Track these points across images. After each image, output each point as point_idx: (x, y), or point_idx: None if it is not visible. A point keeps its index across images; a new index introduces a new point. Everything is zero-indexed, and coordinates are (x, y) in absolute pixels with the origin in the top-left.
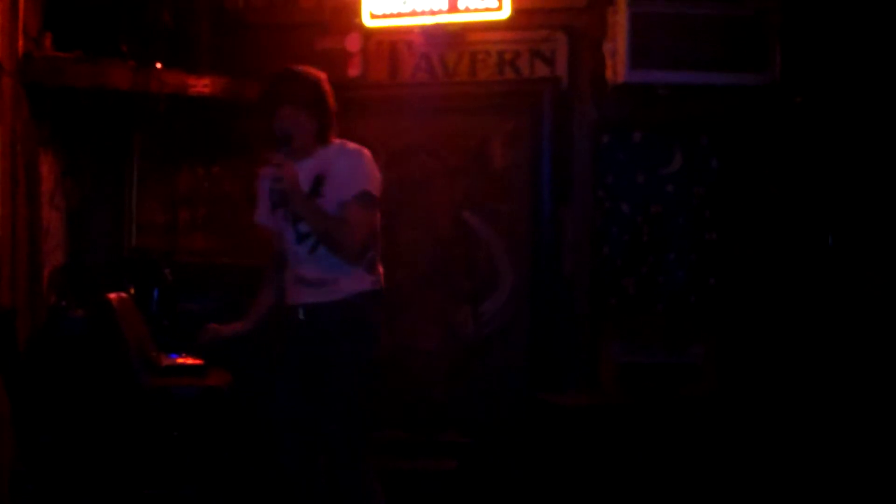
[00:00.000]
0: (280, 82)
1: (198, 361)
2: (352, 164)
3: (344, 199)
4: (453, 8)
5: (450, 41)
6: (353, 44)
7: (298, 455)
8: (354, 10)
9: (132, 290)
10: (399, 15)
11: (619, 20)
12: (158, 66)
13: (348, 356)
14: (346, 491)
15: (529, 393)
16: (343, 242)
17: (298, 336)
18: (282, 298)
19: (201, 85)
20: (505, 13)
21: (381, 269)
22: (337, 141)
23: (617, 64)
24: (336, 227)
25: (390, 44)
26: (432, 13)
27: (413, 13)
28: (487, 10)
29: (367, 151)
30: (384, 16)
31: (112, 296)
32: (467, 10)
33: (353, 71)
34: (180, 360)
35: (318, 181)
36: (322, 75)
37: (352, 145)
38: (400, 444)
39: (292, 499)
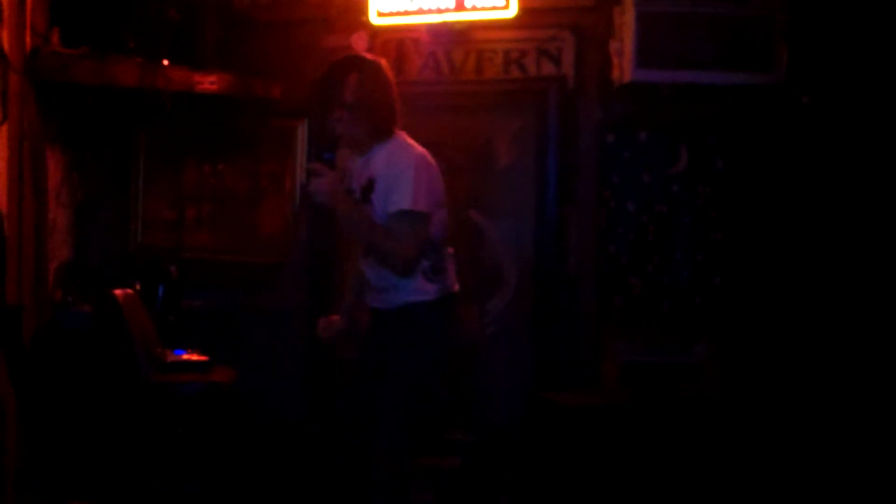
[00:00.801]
0: (326, 83)
1: (203, 357)
2: (397, 176)
3: (388, 213)
4: (460, 6)
5: (456, 40)
6: (359, 42)
7: (362, 439)
8: (361, 8)
9: (137, 287)
10: (406, 13)
11: (626, 20)
12: (165, 62)
13: (397, 364)
14: (376, 490)
15: (534, 391)
16: (390, 256)
17: (369, 337)
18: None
19: (208, 82)
20: (512, 12)
21: (450, 275)
22: (397, 139)
23: (623, 63)
24: (383, 240)
25: (397, 42)
26: (439, 11)
27: (420, 11)
28: (494, 8)
29: (418, 158)
30: (391, 14)
31: (117, 292)
32: (474, 8)
33: None
34: (185, 357)
35: (369, 186)
36: (376, 68)
37: (405, 150)
38: None
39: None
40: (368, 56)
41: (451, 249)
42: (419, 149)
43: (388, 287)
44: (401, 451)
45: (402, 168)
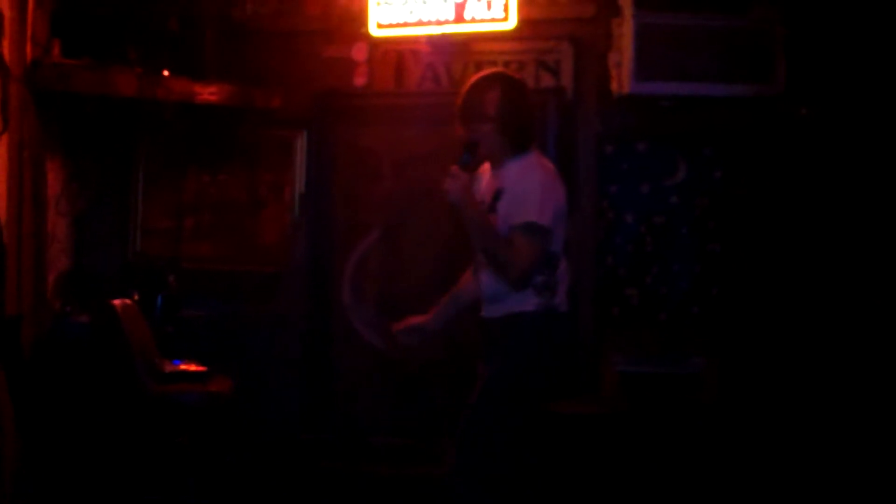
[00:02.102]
0: (470, 95)
1: (201, 368)
2: (525, 189)
3: (511, 224)
4: (459, 18)
5: (455, 51)
6: (359, 53)
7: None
8: (361, 20)
9: (136, 297)
10: (405, 25)
11: (625, 32)
12: (165, 73)
13: (495, 377)
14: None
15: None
16: (506, 266)
17: (482, 348)
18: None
19: (208, 92)
20: (511, 24)
21: (560, 293)
22: (531, 155)
23: (622, 75)
24: (502, 249)
25: (396, 53)
26: (438, 23)
27: (419, 23)
28: (493, 20)
29: (548, 175)
30: (391, 25)
31: (116, 302)
32: (473, 20)
33: (360, 80)
34: (183, 367)
35: (497, 196)
36: (518, 86)
37: (538, 166)
38: (401, 450)
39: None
40: (511, 74)
41: (564, 265)
42: (550, 166)
43: (497, 296)
44: (481, 467)
45: (532, 182)
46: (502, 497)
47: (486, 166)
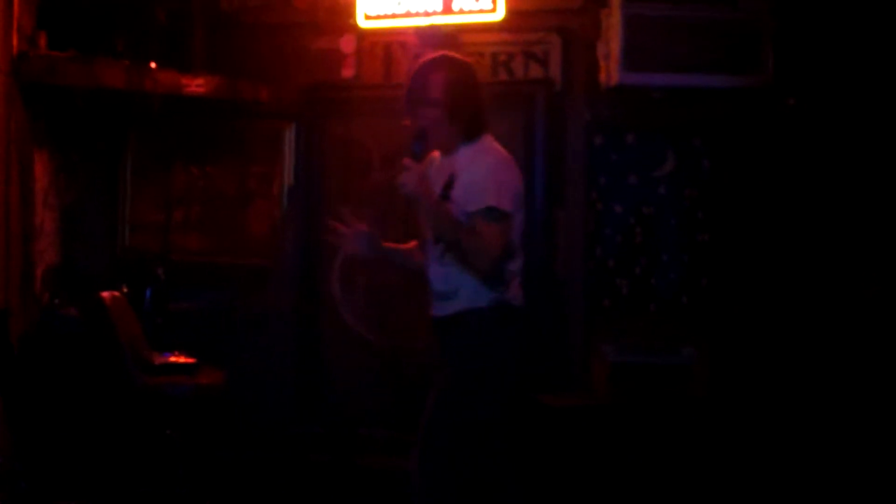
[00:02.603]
0: (413, 82)
1: (190, 360)
2: (481, 174)
3: (470, 211)
4: (447, 9)
5: (444, 43)
6: (347, 44)
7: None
8: (349, 11)
9: (125, 289)
10: (393, 16)
11: (613, 22)
12: (153, 65)
13: (451, 379)
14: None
15: (523, 393)
16: (474, 255)
17: (435, 343)
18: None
19: (195, 84)
20: (499, 15)
21: (513, 287)
22: (484, 141)
23: (610, 66)
24: (467, 239)
25: (384, 45)
26: (426, 14)
27: (407, 14)
28: (481, 11)
29: (503, 160)
30: (378, 17)
31: (105, 295)
32: (461, 11)
33: (348, 72)
34: (173, 359)
35: (449, 183)
36: (465, 69)
37: (491, 150)
38: (393, 443)
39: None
40: (455, 56)
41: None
42: (504, 151)
43: (449, 293)
44: (441, 468)
45: (487, 166)
46: (466, 498)
47: (436, 154)
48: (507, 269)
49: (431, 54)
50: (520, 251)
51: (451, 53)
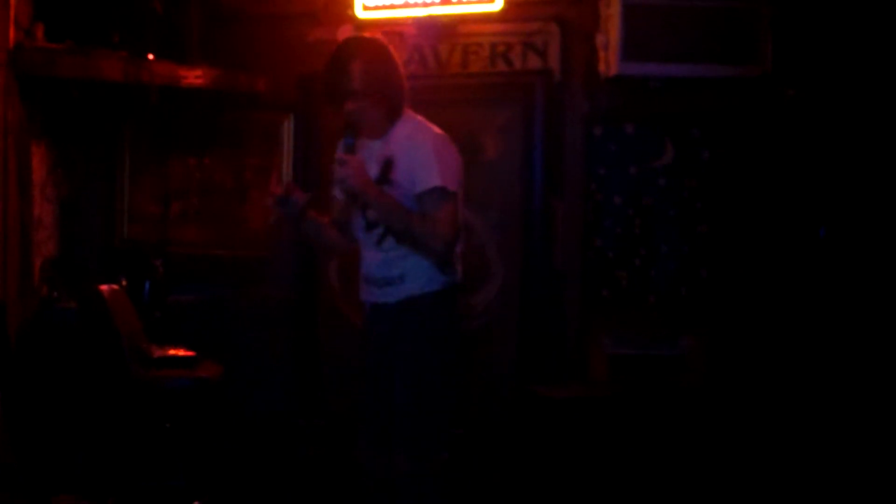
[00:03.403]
0: (331, 74)
1: (189, 353)
2: (423, 154)
3: (417, 194)
4: (446, 0)
5: (442, 33)
6: (345, 35)
7: (369, 450)
8: (347, 2)
9: (124, 282)
10: (392, 6)
11: (612, 12)
12: (150, 57)
13: (410, 360)
14: (408, 488)
15: (520, 384)
16: (427, 239)
17: (369, 333)
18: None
19: (193, 76)
20: (497, 5)
21: (459, 266)
22: (411, 120)
23: (609, 56)
24: (418, 224)
25: (383, 35)
26: (425, 5)
27: (406, 5)
28: (480, 1)
29: (441, 136)
30: (377, 7)
31: (103, 287)
32: (460, 1)
33: None
34: (172, 352)
35: (387, 166)
36: (377, 49)
37: (427, 130)
38: None
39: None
40: (370, 37)
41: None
42: (439, 129)
43: (393, 279)
44: (423, 453)
45: (427, 146)
46: (447, 479)
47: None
48: (455, 251)
49: (341, 41)
50: (461, 233)
51: (360, 35)
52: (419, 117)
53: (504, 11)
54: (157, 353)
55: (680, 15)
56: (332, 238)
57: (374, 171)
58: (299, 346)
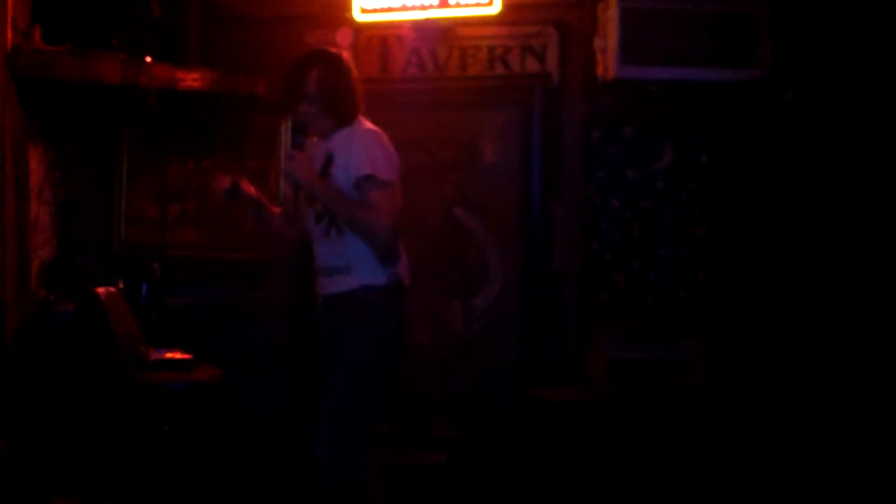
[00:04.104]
0: (289, 79)
1: (186, 356)
2: (355, 149)
3: (353, 184)
4: (444, 3)
5: (440, 36)
6: (343, 38)
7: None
8: (345, 5)
9: (121, 285)
10: (390, 10)
11: (610, 16)
12: (148, 59)
13: (352, 351)
14: (334, 485)
15: (519, 388)
16: (370, 227)
17: (321, 325)
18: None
19: (191, 79)
20: (496, 8)
21: (403, 266)
22: (358, 123)
23: (608, 60)
24: (360, 212)
25: (381, 38)
26: (423, 8)
27: (404, 8)
28: (478, 5)
29: (374, 132)
30: (375, 10)
31: (101, 290)
32: (458, 5)
33: None
34: (169, 355)
35: (328, 162)
36: (336, 62)
37: (364, 128)
38: (390, 438)
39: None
40: (330, 49)
41: (401, 243)
42: (376, 128)
43: (341, 268)
44: (355, 442)
45: (357, 140)
46: (367, 473)
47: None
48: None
49: (306, 51)
50: (398, 230)
51: (325, 48)
52: (366, 122)
53: (502, 15)
54: (155, 355)
55: (678, 18)
56: (276, 226)
57: (317, 166)
58: (297, 348)
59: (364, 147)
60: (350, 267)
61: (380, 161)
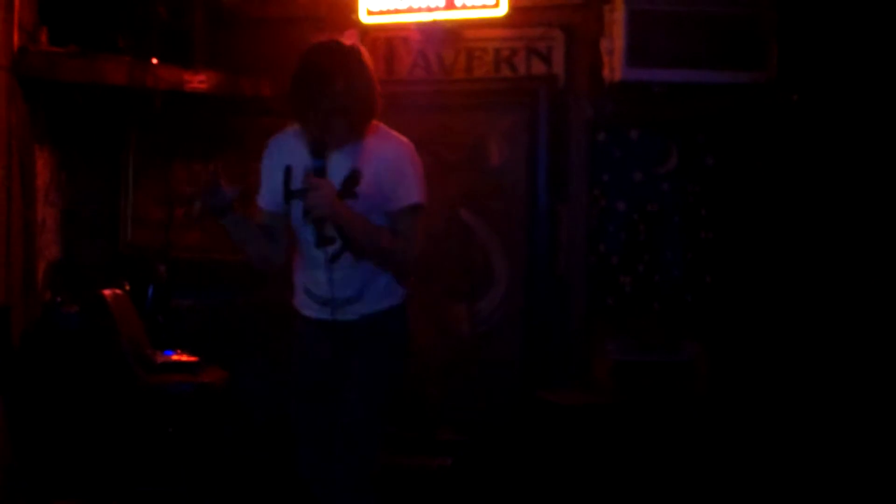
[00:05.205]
0: (312, 88)
1: (192, 358)
2: (398, 169)
3: (391, 210)
4: (450, 5)
5: (446, 38)
6: (349, 40)
7: (314, 468)
8: (351, 7)
9: (127, 287)
10: (396, 11)
11: (616, 18)
12: (154, 61)
13: (367, 374)
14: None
15: (524, 391)
16: (398, 258)
17: (315, 348)
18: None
19: (197, 81)
20: (502, 10)
21: (412, 277)
22: (380, 128)
23: (614, 62)
24: (387, 243)
25: (387, 40)
26: (429, 10)
27: (410, 10)
28: (484, 7)
29: (412, 147)
30: (381, 12)
31: (106, 292)
32: (464, 7)
33: None
34: (175, 357)
35: (352, 180)
36: (359, 64)
37: (398, 139)
38: (395, 441)
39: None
40: (346, 45)
41: None
42: (403, 137)
43: (350, 299)
44: (373, 463)
45: (405, 159)
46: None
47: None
48: None
49: (323, 52)
50: None
51: (337, 42)
52: (382, 125)
53: (508, 17)
54: (161, 358)
55: (684, 21)
56: (262, 247)
57: (336, 182)
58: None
59: (411, 166)
60: (362, 296)
61: (424, 184)
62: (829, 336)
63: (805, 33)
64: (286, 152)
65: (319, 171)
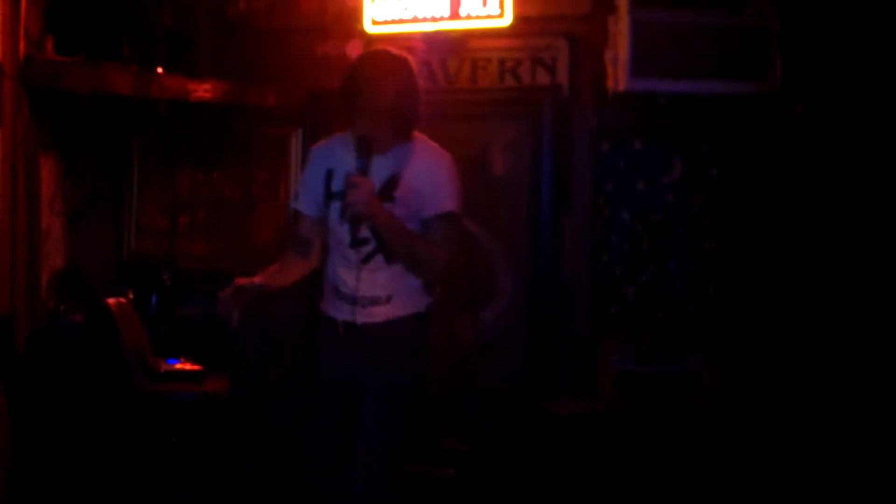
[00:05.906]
0: (363, 88)
1: (196, 367)
2: (436, 177)
3: (426, 217)
4: (455, 15)
5: (451, 48)
6: (354, 50)
7: (330, 475)
8: (356, 16)
9: (131, 295)
10: (401, 21)
11: (621, 28)
12: (159, 70)
13: (390, 379)
14: None
15: (528, 400)
16: (426, 263)
17: (338, 350)
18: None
19: (202, 90)
20: (506, 20)
21: (438, 287)
22: (418, 136)
23: (618, 72)
24: (421, 248)
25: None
26: (434, 20)
27: (415, 20)
28: (489, 17)
29: (448, 156)
30: (386, 22)
31: (110, 300)
32: (469, 17)
33: None
34: (178, 366)
35: (391, 184)
36: (408, 71)
37: (435, 148)
38: None
39: None
40: (396, 54)
41: None
42: (441, 148)
43: (380, 299)
44: (395, 471)
45: (442, 168)
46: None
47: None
48: None
49: (376, 55)
50: None
51: (387, 51)
52: (423, 136)
53: (513, 27)
54: (164, 366)
55: (689, 31)
56: (299, 272)
57: (375, 186)
58: (307, 359)
59: (448, 175)
60: (391, 297)
61: (459, 194)
62: (833, 347)
63: (809, 44)
64: (329, 157)
65: (362, 170)
